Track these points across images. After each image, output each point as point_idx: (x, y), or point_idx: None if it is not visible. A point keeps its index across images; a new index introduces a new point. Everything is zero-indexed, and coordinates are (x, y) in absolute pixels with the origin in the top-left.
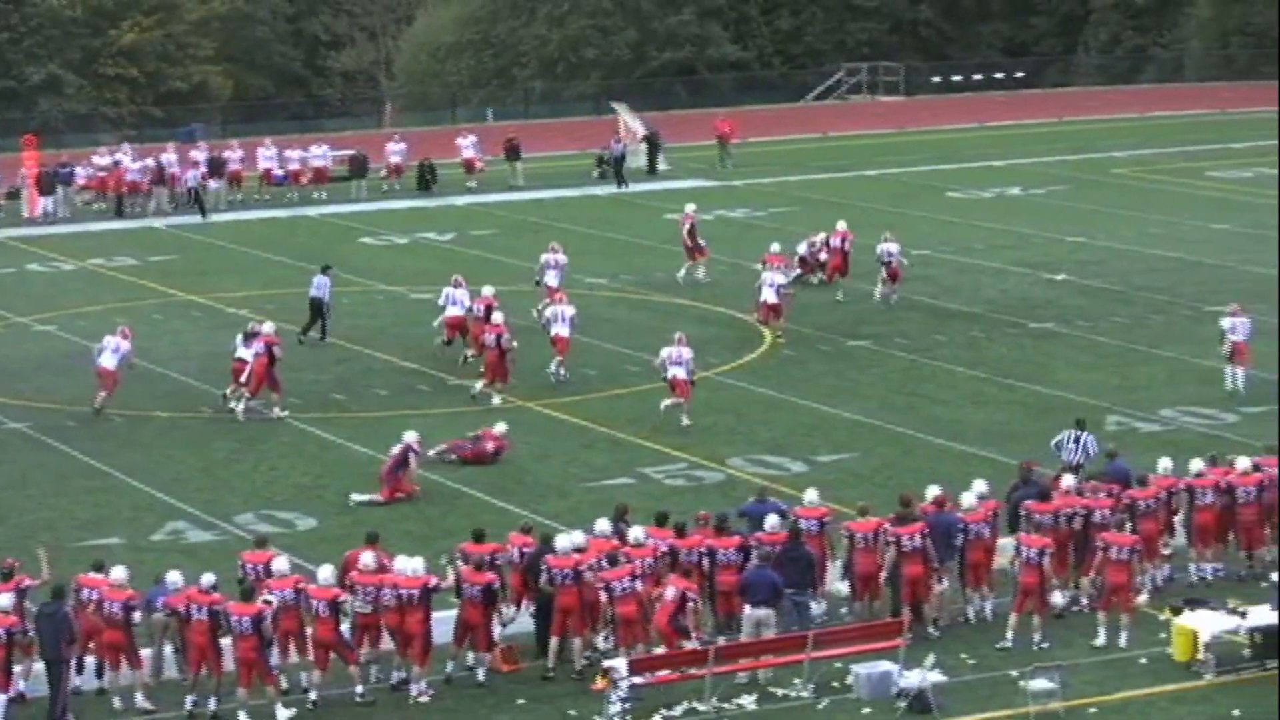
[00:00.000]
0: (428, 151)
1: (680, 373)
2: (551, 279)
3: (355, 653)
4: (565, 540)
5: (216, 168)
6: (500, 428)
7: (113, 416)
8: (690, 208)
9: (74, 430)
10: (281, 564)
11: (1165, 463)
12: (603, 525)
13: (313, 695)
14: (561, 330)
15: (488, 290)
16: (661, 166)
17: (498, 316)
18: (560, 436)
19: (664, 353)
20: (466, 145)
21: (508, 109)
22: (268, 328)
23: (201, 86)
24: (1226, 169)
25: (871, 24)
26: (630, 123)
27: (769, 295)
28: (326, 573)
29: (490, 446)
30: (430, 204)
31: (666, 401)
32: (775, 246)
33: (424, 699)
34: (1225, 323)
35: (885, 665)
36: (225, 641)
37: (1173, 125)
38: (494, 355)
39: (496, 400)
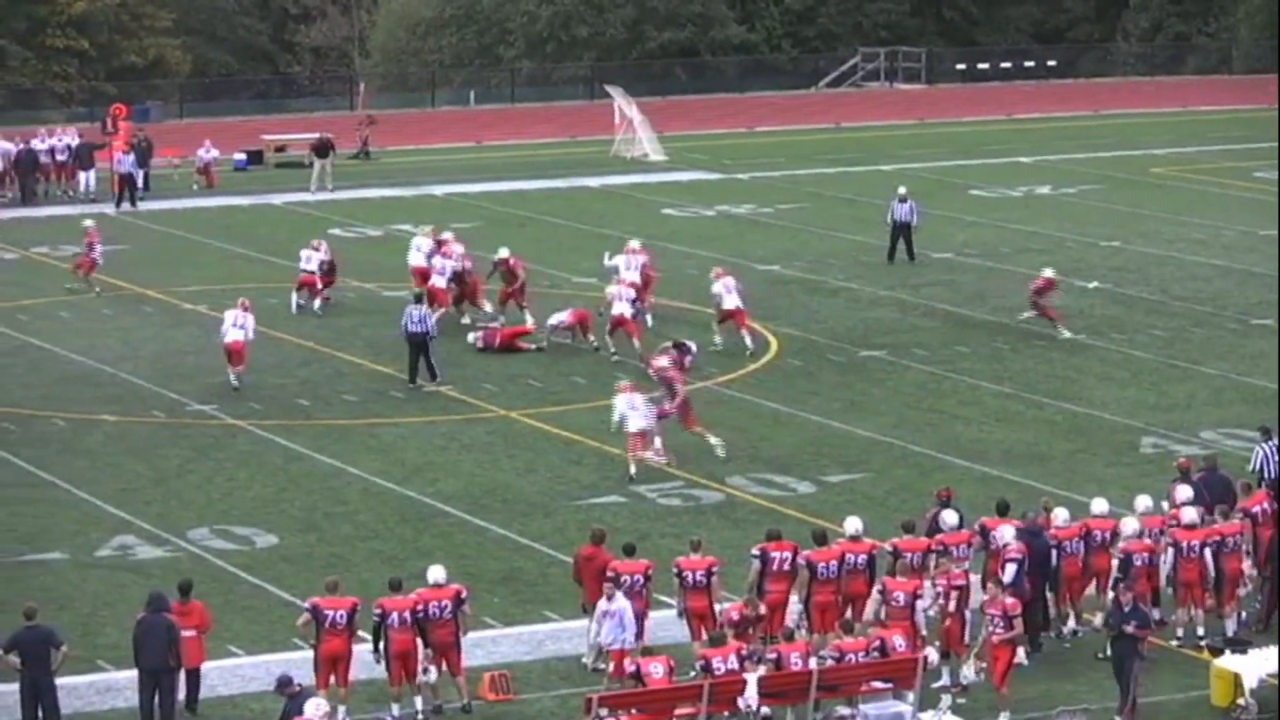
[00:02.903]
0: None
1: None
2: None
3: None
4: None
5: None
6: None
7: (55, 420)
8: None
9: (12, 435)
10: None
11: (1144, 500)
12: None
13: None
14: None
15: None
16: (658, 157)
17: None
18: (546, 450)
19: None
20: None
21: (492, 91)
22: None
23: (158, 61)
24: (1276, 169)
25: (891, 5)
26: (626, 109)
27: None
28: (439, 574)
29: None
30: (408, 193)
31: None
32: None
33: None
34: None
35: (897, 706)
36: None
37: (1217, 120)
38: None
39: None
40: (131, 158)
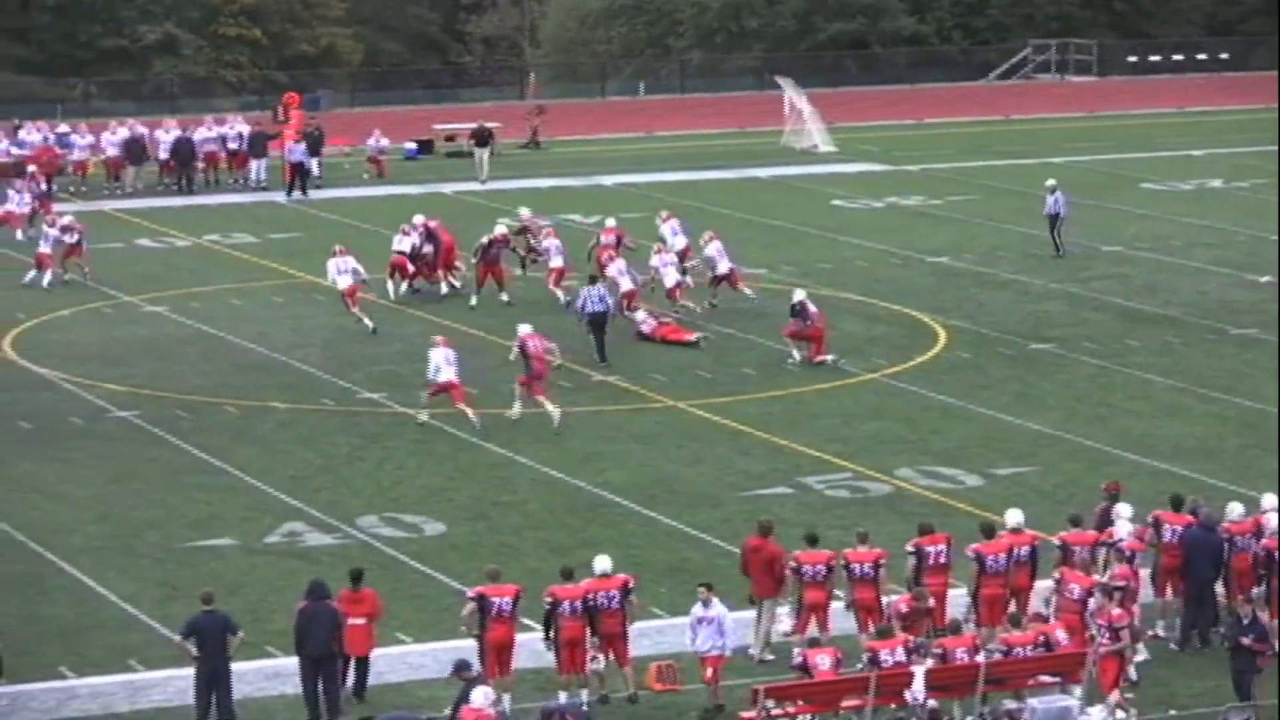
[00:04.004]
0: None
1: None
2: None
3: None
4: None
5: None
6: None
7: (227, 407)
8: (611, 222)
9: (185, 422)
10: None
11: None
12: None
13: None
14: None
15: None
16: (828, 148)
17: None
18: (714, 441)
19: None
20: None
21: (661, 82)
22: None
23: (330, 50)
24: None
25: None
26: (796, 100)
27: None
28: (606, 564)
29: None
30: (578, 183)
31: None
32: (610, 221)
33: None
34: None
35: (1065, 700)
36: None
37: None
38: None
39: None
40: (303, 146)
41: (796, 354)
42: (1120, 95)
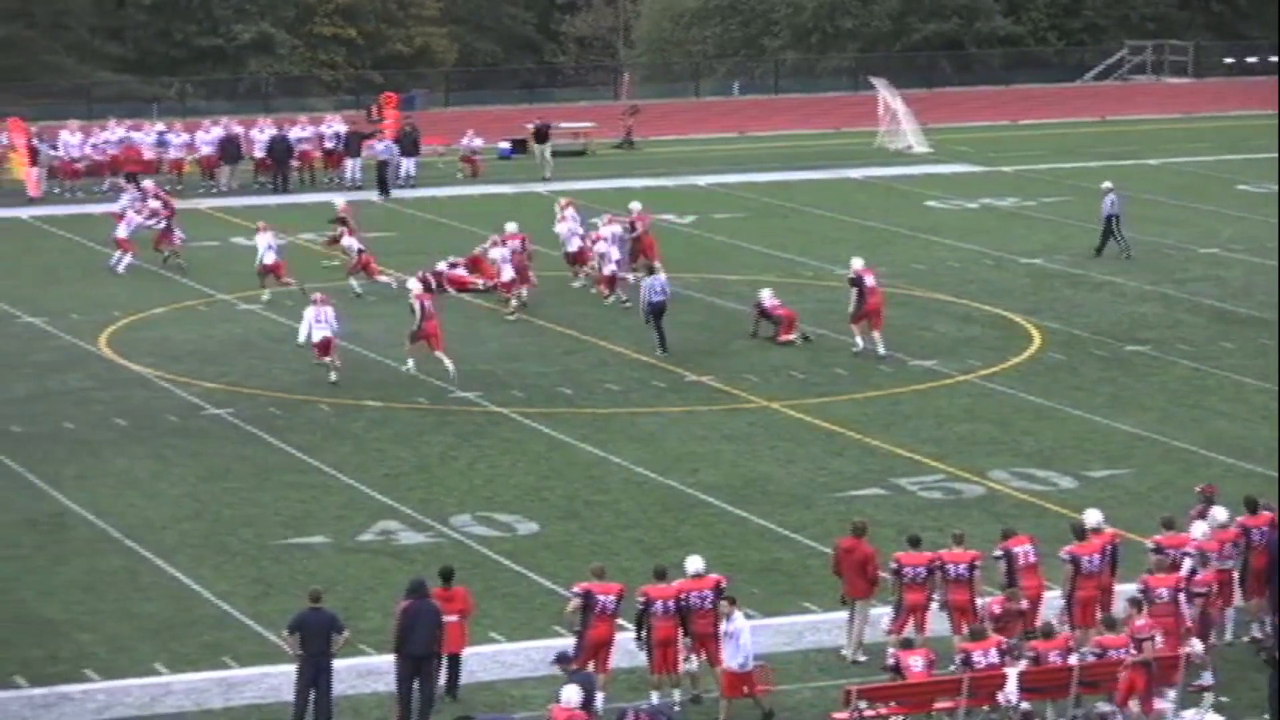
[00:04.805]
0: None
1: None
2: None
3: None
4: None
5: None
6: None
7: (321, 405)
8: (636, 206)
9: (279, 419)
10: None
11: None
12: None
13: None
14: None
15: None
16: (922, 149)
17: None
18: (807, 441)
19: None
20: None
21: (755, 82)
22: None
23: (424, 50)
24: None
25: None
26: (890, 101)
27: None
28: (698, 564)
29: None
30: (671, 183)
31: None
32: (511, 226)
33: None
34: None
35: (1159, 703)
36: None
37: None
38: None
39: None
40: (386, 145)
41: (860, 341)
42: (1217, 97)
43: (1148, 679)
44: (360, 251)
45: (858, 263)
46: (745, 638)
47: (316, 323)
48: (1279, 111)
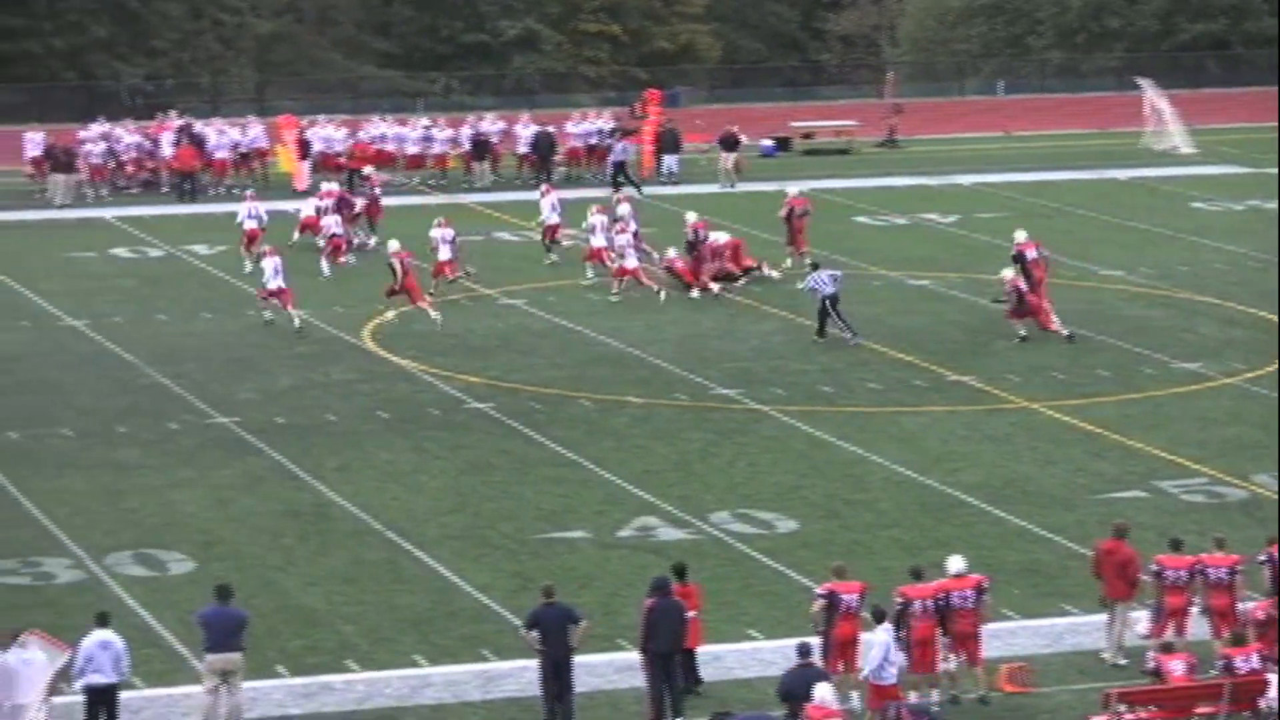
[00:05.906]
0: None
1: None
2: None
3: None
4: None
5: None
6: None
7: (582, 401)
8: (794, 190)
9: (540, 414)
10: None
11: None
12: None
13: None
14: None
15: (691, 216)
16: (1188, 150)
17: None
18: (1068, 443)
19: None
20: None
21: (1021, 81)
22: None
23: (688, 47)
24: None
25: None
26: (1156, 101)
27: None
28: (960, 564)
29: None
30: (935, 182)
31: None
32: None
33: None
34: None
35: None
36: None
37: None
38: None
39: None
40: (623, 146)
41: (1023, 330)
42: None
43: None
44: (334, 236)
45: (1020, 235)
46: (892, 651)
47: (275, 273)
48: (1279, 117)
